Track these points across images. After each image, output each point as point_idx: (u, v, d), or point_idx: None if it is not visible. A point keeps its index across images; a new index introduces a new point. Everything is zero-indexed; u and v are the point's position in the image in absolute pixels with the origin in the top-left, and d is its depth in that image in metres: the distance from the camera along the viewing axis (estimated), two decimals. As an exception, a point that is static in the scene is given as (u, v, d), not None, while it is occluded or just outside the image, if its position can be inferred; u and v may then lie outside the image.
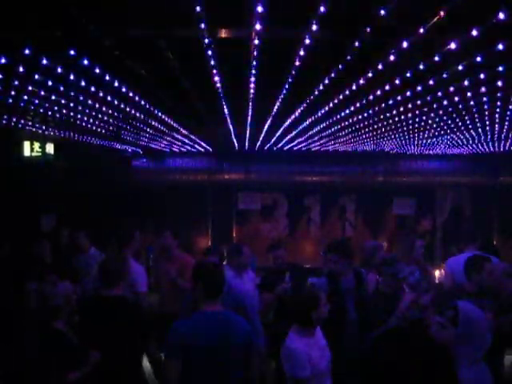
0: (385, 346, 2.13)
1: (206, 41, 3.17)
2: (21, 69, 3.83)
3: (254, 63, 3.68)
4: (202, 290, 3.34)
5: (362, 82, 4.22)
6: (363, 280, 4.83)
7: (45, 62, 3.62)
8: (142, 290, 5.31)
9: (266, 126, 7.06)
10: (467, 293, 4.37)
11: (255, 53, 3.44)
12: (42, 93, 4.76)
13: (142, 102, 5.27)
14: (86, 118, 6.29)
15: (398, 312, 3.98)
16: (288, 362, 3.48)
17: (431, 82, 4.18)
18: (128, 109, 5.55)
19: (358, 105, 5.28)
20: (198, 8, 2.63)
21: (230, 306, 3.70)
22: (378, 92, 4.64)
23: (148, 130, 7.38)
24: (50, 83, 4.35)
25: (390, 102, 5.05)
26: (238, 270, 5.56)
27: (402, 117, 6.03)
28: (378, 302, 4.42)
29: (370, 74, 3.98)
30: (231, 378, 3.28)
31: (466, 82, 4.20)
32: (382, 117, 6.06)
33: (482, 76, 3.97)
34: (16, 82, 4.38)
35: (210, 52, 3.42)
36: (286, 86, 4.39)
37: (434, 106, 5.29)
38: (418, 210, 11.55)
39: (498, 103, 5.13)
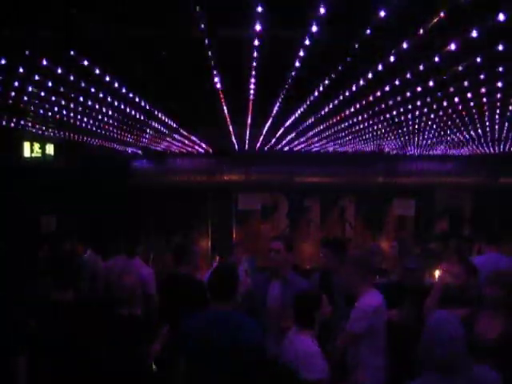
0: None
1: (206, 41, 3.17)
2: (21, 69, 3.83)
3: (254, 63, 3.68)
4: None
5: (362, 82, 4.23)
6: None
7: (45, 62, 3.62)
8: (151, 292, 5.35)
9: (266, 127, 7.06)
10: None
11: (255, 53, 3.44)
12: (42, 94, 4.76)
13: (142, 103, 5.27)
14: (86, 119, 6.29)
15: None
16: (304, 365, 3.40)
17: (431, 83, 4.18)
18: (128, 109, 5.56)
19: (357, 105, 5.28)
20: (198, 8, 2.63)
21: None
22: (378, 93, 4.65)
23: (148, 130, 7.38)
24: (50, 84, 4.34)
25: (390, 102, 5.05)
26: None
27: (402, 117, 6.04)
28: None
29: (369, 75, 3.98)
30: (231, 380, 3.21)
31: (465, 83, 4.21)
32: (382, 117, 6.06)
33: (482, 76, 3.97)
34: (16, 83, 4.38)
35: (210, 52, 3.42)
36: (286, 86, 4.39)
37: (434, 106, 5.29)
38: (435, 212, 11.53)
39: (498, 104, 5.13)
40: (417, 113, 5.69)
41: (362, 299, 4.05)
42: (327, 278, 4.83)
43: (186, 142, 8.97)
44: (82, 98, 4.98)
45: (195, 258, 5.20)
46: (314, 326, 3.59)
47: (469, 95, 4.67)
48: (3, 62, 3.55)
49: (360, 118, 6.05)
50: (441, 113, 5.71)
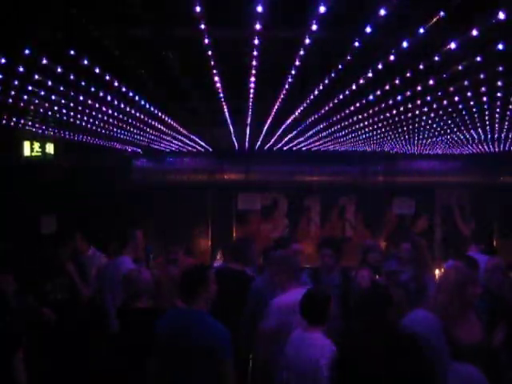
0: None
1: (206, 41, 3.17)
2: (21, 69, 3.83)
3: (254, 63, 3.68)
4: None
5: (361, 81, 4.22)
6: (349, 277, 5.01)
7: (45, 62, 3.62)
8: None
9: (266, 126, 7.06)
10: None
11: (255, 53, 3.44)
12: (42, 93, 4.76)
13: (142, 102, 5.27)
14: (86, 118, 6.28)
15: None
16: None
17: (431, 82, 4.18)
18: (128, 109, 5.55)
19: (357, 105, 5.28)
20: (197, 8, 2.63)
21: None
22: (378, 92, 4.64)
23: (148, 129, 7.38)
24: (49, 83, 4.34)
25: (390, 101, 5.05)
26: None
27: (402, 117, 6.03)
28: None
29: (370, 74, 3.98)
30: (193, 380, 3.24)
31: (465, 82, 4.20)
32: (381, 117, 6.05)
33: (481, 76, 3.97)
34: (16, 82, 4.38)
35: (210, 52, 3.42)
36: (286, 86, 4.39)
37: (434, 106, 5.28)
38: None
39: (498, 103, 5.12)
40: (417, 112, 5.69)
41: (280, 296, 4.03)
42: (316, 278, 4.89)
43: (186, 140, 8.97)
44: (81, 97, 4.98)
45: (253, 256, 5.59)
46: (326, 323, 3.59)
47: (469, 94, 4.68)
48: (3, 61, 3.55)
49: (360, 116, 6.05)
50: (441, 112, 5.71)
